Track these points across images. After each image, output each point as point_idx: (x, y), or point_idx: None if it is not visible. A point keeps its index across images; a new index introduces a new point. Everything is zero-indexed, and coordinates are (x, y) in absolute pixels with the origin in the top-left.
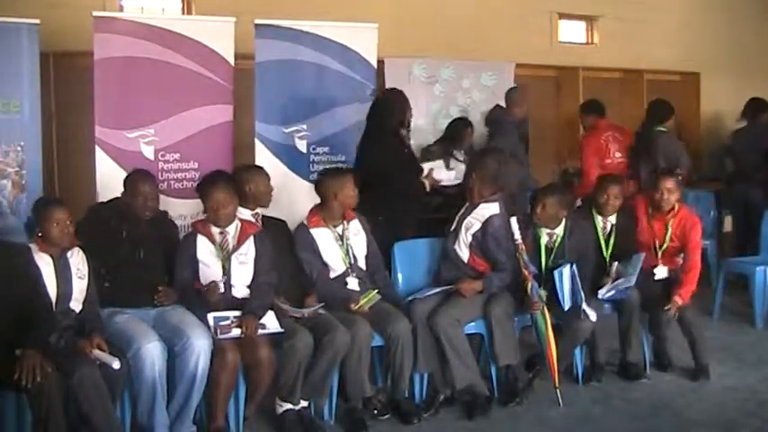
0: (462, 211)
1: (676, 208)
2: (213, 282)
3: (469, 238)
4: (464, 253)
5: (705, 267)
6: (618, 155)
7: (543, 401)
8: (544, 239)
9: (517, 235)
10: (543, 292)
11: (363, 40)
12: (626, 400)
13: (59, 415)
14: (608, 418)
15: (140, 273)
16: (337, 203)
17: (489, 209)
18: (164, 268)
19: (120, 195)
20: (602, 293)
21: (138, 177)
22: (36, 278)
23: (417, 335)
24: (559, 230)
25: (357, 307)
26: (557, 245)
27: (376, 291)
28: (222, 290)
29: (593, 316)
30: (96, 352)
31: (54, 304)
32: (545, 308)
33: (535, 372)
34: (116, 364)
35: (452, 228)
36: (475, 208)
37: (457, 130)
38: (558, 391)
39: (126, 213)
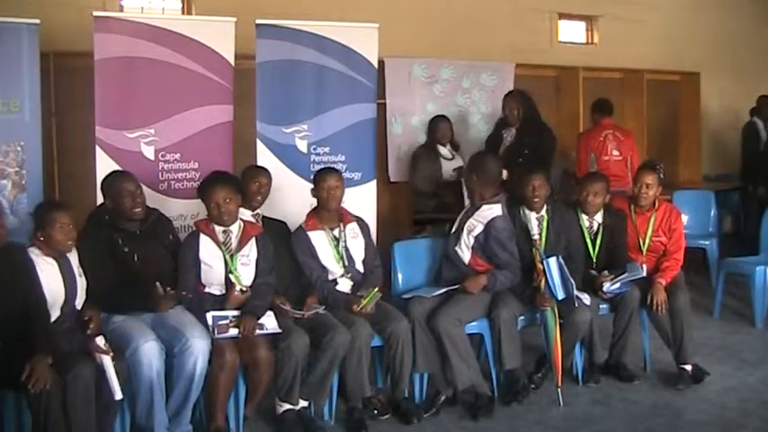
0: (464, 212)
1: (657, 204)
2: (234, 290)
3: (471, 241)
4: (465, 255)
5: (705, 267)
6: (615, 153)
7: (543, 401)
8: (530, 226)
9: (535, 230)
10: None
11: (364, 40)
12: (626, 401)
13: (59, 415)
14: (608, 418)
15: (142, 286)
16: (321, 200)
17: (492, 210)
18: (168, 275)
19: (100, 205)
20: (607, 287)
21: (118, 178)
22: (34, 278)
23: (415, 335)
24: (544, 213)
25: (360, 308)
26: (544, 229)
27: (376, 289)
28: (242, 294)
29: (586, 300)
30: (108, 368)
31: (62, 305)
32: (555, 305)
33: (544, 372)
34: (117, 395)
35: (453, 229)
36: (477, 210)
37: (432, 128)
38: (559, 390)
39: (120, 227)
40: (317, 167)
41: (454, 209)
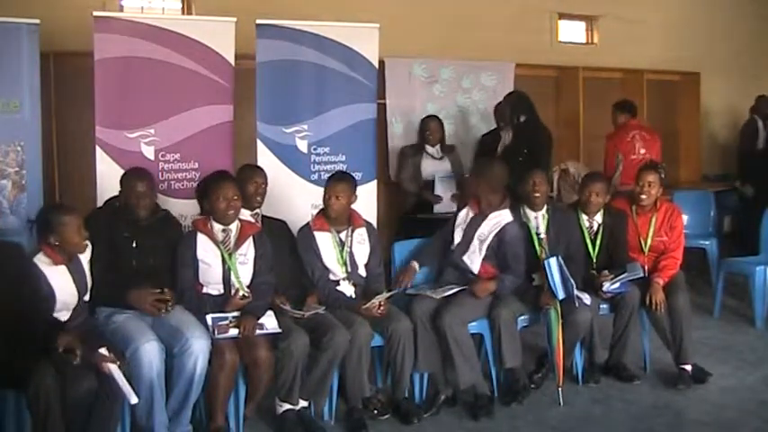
0: (467, 221)
1: (658, 204)
2: (236, 295)
3: (484, 251)
4: (475, 264)
5: (705, 267)
6: (642, 151)
7: (543, 401)
8: (533, 224)
9: (541, 229)
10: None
11: (364, 40)
12: (626, 401)
13: (58, 415)
14: (608, 418)
15: (147, 279)
16: (324, 204)
17: (501, 217)
18: (163, 269)
19: (116, 195)
20: (607, 287)
21: (133, 176)
22: (35, 277)
23: (417, 334)
24: (544, 212)
25: (380, 300)
26: (544, 229)
27: (392, 293)
28: (242, 296)
29: (586, 300)
30: (117, 376)
31: (74, 307)
32: (558, 304)
33: (544, 372)
34: (133, 399)
35: (459, 240)
36: (485, 218)
37: (422, 127)
38: (559, 390)
39: (125, 216)
40: (318, 167)
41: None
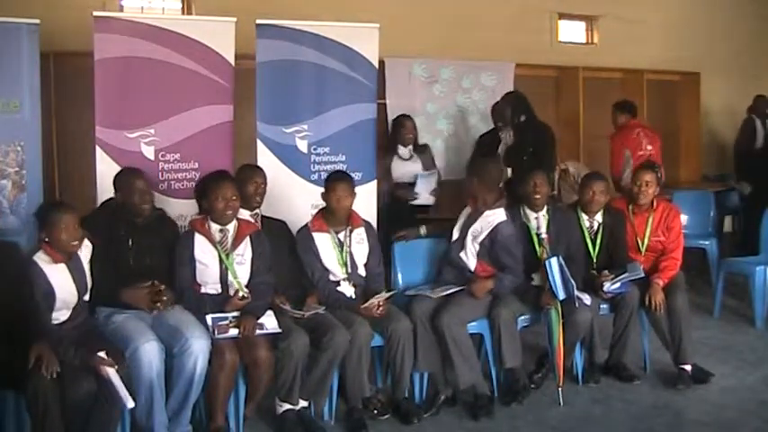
0: (465, 218)
1: (655, 203)
2: (236, 296)
3: (477, 247)
4: (471, 261)
5: (705, 267)
6: (649, 147)
7: (543, 401)
8: (533, 225)
9: (543, 229)
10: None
11: (364, 40)
12: (626, 401)
13: (56, 417)
14: (608, 418)
15: (144, 279)
16: (330, 206)
17: (495, 216)
18: (159, 267)
19: (111, 197)
20: (607, 287)
21: (130, 174)
22: (33, 278)
23: (417, 334)
24: (545, 212)
25: (379, 300)
26: (545, 228)
27: (391, 293)
28: (241, 296)
29: (587, 300)
30: (115, 380)
31: (74, 306)
32: (559, 304)
33: (544, 372)
34: (130, 404)
35: (456, 236)
36: (480, 215)
37: (395, 127)
38: (559, 390)
39: (123, 216)
40: (318, 167)
41: (401, 211)
